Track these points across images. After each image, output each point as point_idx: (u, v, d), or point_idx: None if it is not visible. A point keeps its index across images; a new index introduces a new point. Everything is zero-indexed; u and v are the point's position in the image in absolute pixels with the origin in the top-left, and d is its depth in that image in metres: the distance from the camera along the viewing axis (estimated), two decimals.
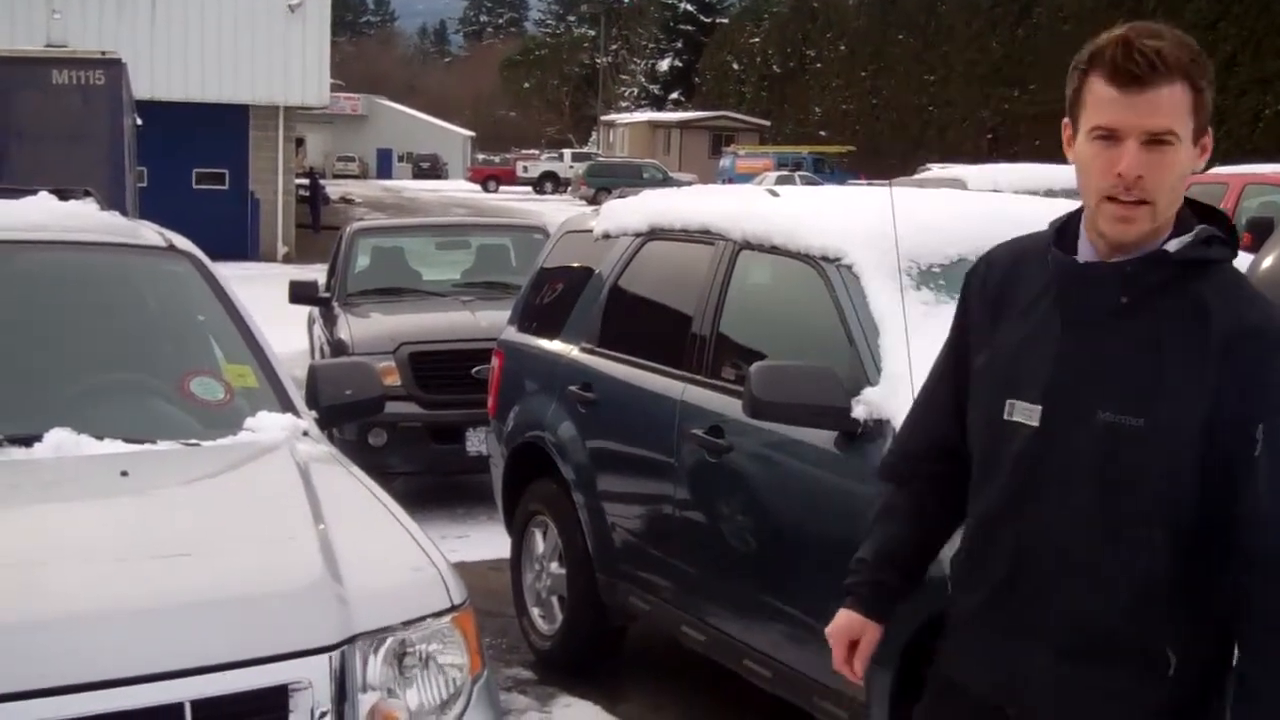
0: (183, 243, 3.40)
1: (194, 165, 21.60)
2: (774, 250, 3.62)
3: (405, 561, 2.32)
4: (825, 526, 3.18)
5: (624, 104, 71.44)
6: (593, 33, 78.65)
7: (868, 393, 3.07)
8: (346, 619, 2.11)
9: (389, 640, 2.15)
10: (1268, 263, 4.77)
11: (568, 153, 54.90)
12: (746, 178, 34.47)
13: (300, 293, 7.66)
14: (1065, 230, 1.73)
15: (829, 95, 54.71)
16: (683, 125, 58.70)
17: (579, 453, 4.24)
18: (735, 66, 63.87)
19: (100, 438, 2.69)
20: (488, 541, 5.67)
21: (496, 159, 58.12)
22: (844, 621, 1.91)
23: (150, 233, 3.44)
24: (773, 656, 3.38)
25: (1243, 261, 3.15)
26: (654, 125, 61.11)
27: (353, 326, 6.89)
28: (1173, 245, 1.64)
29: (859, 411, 3.05)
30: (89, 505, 2.57)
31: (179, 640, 1.99)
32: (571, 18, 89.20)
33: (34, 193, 3.35)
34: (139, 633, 1.99)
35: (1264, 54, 31.57)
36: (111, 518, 2.49)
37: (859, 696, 2.96)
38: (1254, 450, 1.55)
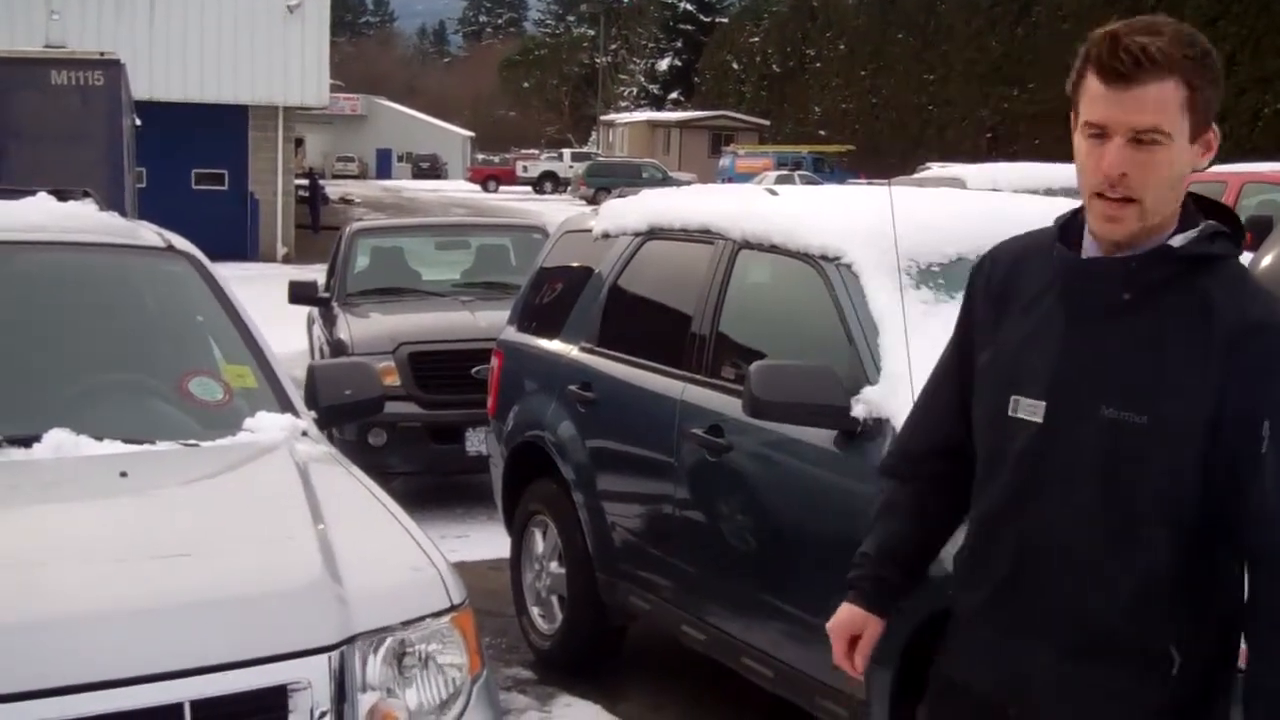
0: (182, 243, 3.40)
1: (193, 166, 21.59)
2: (773, 249, 3.62)
3: (404, 561, 2.32)
4: (825, 525, 3.18)
5: (623, 104, 71.44)
6: (592, 32, 78.65)
7: (867, 392, 3.07)
8: (346, 619, 2.11)
9: (388, 640, 2.15)
10: (1267, 261, 4.76)
11: (567, 152, 54.91)
12: (746, 177, 34.48)
13: (300, 293, 7.66)
14: (1069, 226, 1.72)
15: (828, 94, 54.72)
16: (682, 125, 58.69)
17: (579, 452, 4.24)
18: (735, 66, 63.86)
19: (99, 438, 2.69)
20: (487, 541, 5.67)
21: (496, 159, 58.14)
22: (845, 616, 1.91)
23: (149, 233, 3.44)
24: (773, 655, 3.38)
25: (1242, 260, 3.14)
26: (653, 125, 61.10)
27: (352, 326, 6.89)
28: (1177, 241, 1.63)
29: (858, 410, 3.05)
30: (88, 506, 2.57)
31: (178, 640, 1.99)
32: (571, 17, 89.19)
33: (33, 193, 3.35)
34: (138, 633, 1.99)
35: (1263, 52, 31.58)
36: (111, 518, 2.49)
37: (859, 695, 2.96)
38: (1260, 447, 1.54)
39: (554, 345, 4.55)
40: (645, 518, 3.99)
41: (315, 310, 7.99)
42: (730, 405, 3.48)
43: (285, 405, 3.00)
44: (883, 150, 45.38)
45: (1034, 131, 35.79)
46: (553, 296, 4.78)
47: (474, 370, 6.21)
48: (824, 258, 3.40)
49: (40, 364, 3.01)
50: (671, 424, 3.76)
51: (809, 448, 3.23)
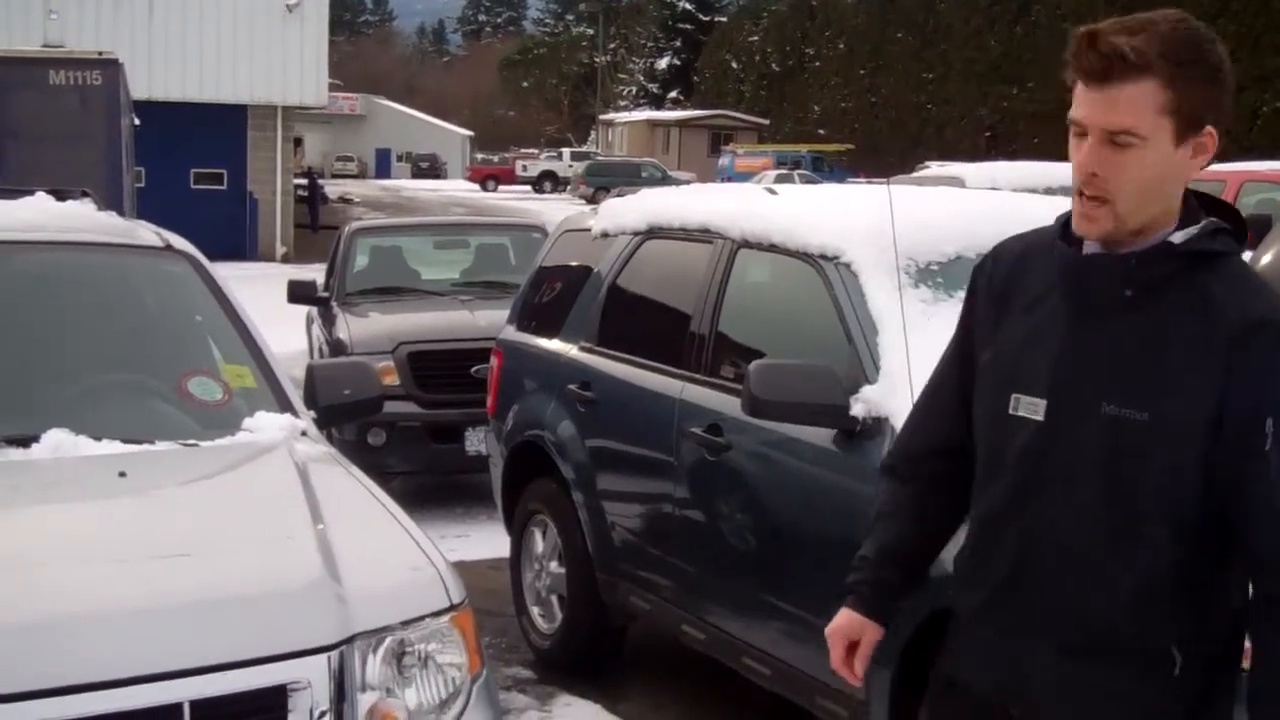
0: (180, 243, 3.40)
1: (192, 165, 21.58)
2: (772, 249, 3.62)
3: (404, 561, 2.32)
4: (824, 525, 3.18)
5: (623, 103, 71.43)
6: (591, 31, 78.64)
7: (866, 391, 3.07)
8: (345, 619, 2.11)
9: (388, 640, 2.15)
10: (1266, 259, 4.76)
11: (566, 152, 54.92)
12: (745, 176, 34.47)
13: (299, 292, 7.65)
14: (1071, 224, 1.72)
15: (828, 93, 54.72)
16: (681, 124, 58.69)
17: (578, 452, 4.24)
18: (734, 65, 63.86)
19: (98, 438, 2.69)
20: (487, 541, 5.67)
21: (495, 158, 58.14)
22: (843, 621, 1.89)
23: (148, 233, 3.44)
24: (772, 654, 3.38)
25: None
26: (653, 124, 61.09)
27: (351, 326, 6.89)
28: (1178, 237, 1.62)
29: (857, 409, 3.05)
30: (87, 506, 2.57)
31: (178, 640, 1.99)
32: (570, 17, 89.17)
33: (31, 193, 3.35)
34: (138, 633, 1.99)
35: (1262, 51, 31.59)
36: (110, 518, 2.48)
37: (859, 695, 2.96)
38: (1263, 445, 1.53)
39: (553, 344, 4.55)
40: (645, 517, 3.99)
41: (314, 310, 7.99)
42: (729, 404, 3.48)
43: (284, 405, 3.00)
44: (882, 149, 45.39)
45: (1033, 130, 35.79)
46: (552, 296, 4.77)
47: (473, 370, 6.21)
48: (823, 257, 3.40)
49: (39, 364, 3.01)
50: (671, 423, 3.76)
51: (808, 447, 3.23)
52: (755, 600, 3.43)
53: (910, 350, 2.95)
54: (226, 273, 3.46)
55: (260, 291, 6.94)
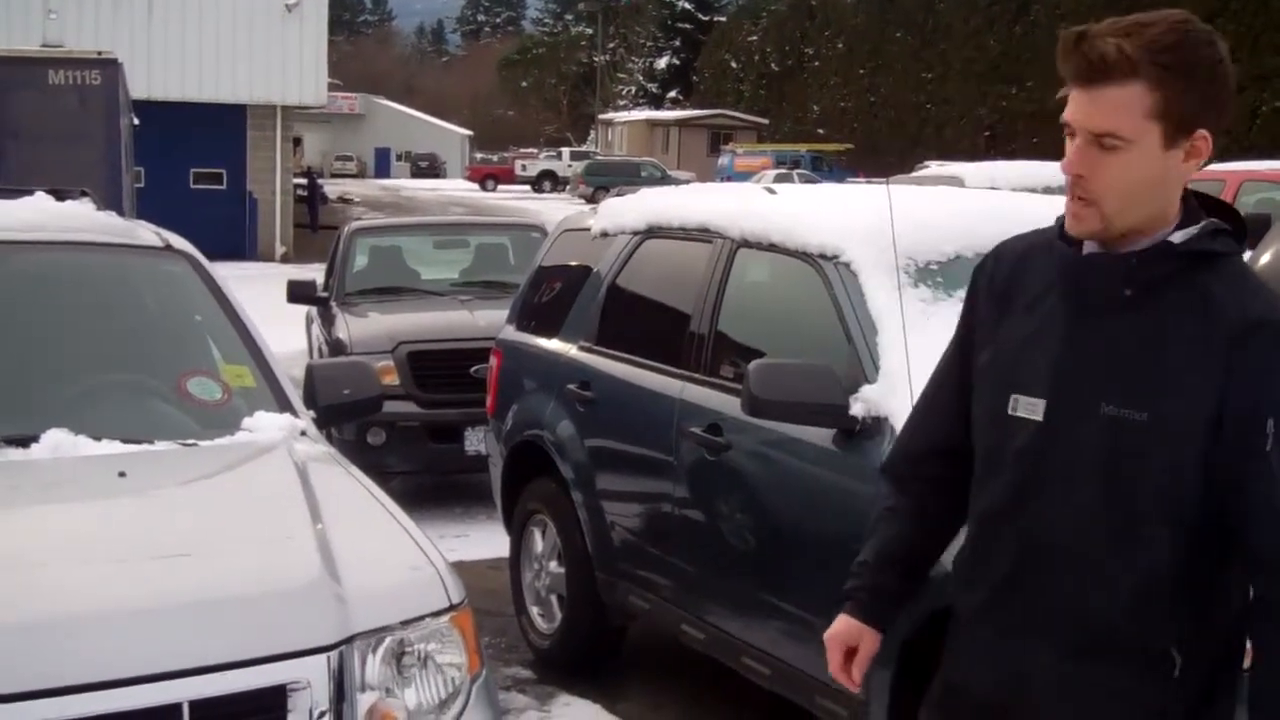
0: (180, 243, 3.40)
1: (191, 165, 21.58)
2: (772, 248, 3.62)
3: (403, 561, 2.32)
4: (824, 524, 3.18)
5: (622, 102, 71.43)
6: (590, 31, 78.64)
7: (866, 390, 3.07)
8: (345, 619, 2.11)
9: (387, 640, 2.15)
10: (1265, 259, 4.77)
11: (566, 151, 54.91)
12: (745, 176, 34.48)
13: (298, 292, 7.65)
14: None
15: (827, 93, 54.73)
16: (681, 123, 58.69)
17: (577, 451, 4.24)
18: (733, 65, 63.86)
19: (98, 438, 2.69)
20: (486, 540, 5.67)
21: (495, 158, 58.15)
22: (841, 627, 1.88)
23: (147, 233, 3.43)
24: (772, 654, 3.38)
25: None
26: (652, 124, 61.09)
27: (351, 326, 6.89)
28: (1178, 237, 1.62)
29: (857, 409, 3.05)
30: (87, 506, 2.57)
31: (177, 641, 1.99)
32: (569, 16, 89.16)
33: (30, 193, 3.35)
34: (137, 633, 1.99)
35: (1261, 50, 31.58)
36: (109, 518, 2.48)
37: (858, 694, 2.96)
38: (1264, 445, 1.53)
39: (553, 344, 4.55)
40: (644, 517, 3.99)
41: (314, 309, 7.99)
42: (729, 404, 3.48)
43: (284, 405, 3.00)
44: (881, 149, 45.39)
45: (1032, 130, 35.77)
46: (551, 295, 4.77)
47: (473, 369, 6.21)
48: (822, 256, 3.40)
49: (38, 364, 3.01)
50: (670, 423, 3.76)
51: (808, 446, 3.23)
52: (755, 600, 3.43)
53: (910, 350, 2.95)
54: (226, 272, 3.46)
55: (260, 291, 6.94)
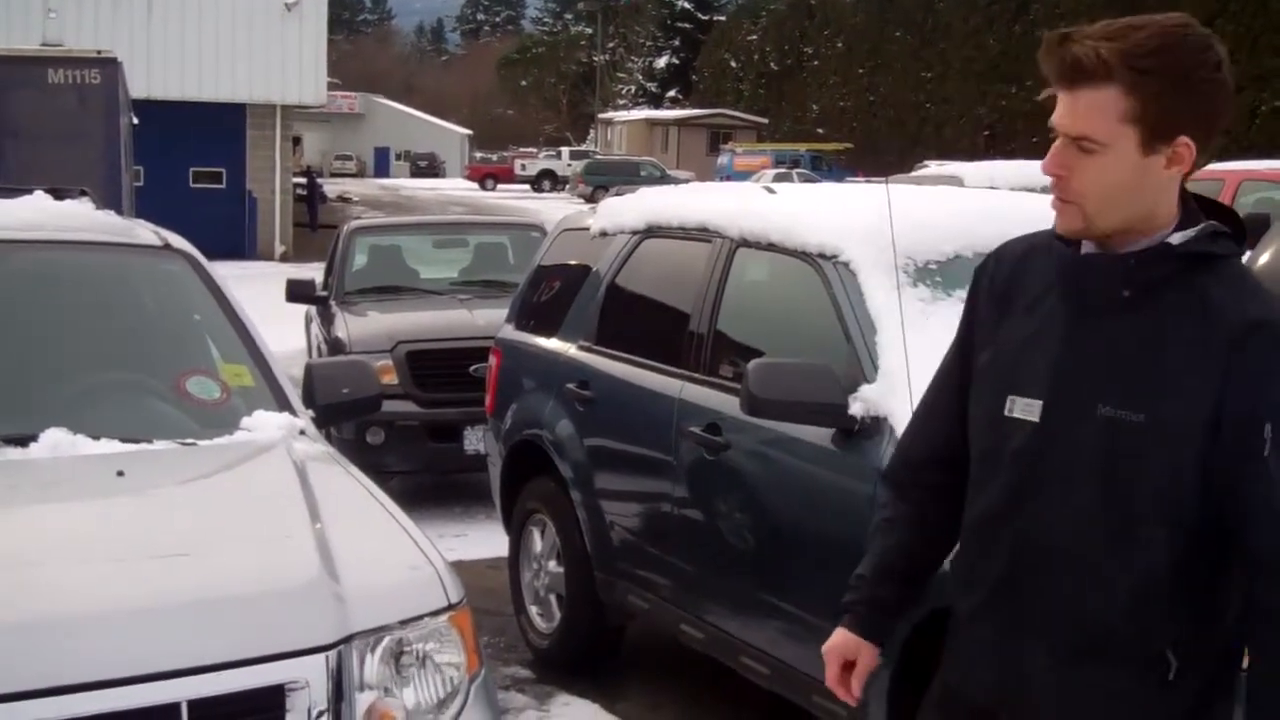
0: (179, 242, 3.40)
1: (191, 164, 21.57)
2: (771, 248, 3.62)
3: (402, 560, 2.32)
4: (823, 524, 3.18)
5: (621, 102, 71.43)
6: (590, 30, 78.63)
7: (865, 390, 3.06)
8: (343, 618, 2.11)
9: (386, 639, 2.14)
10: (1264, 259, 4.77)
11: (565, 150, 54.91)
12: (744, 175, 34.47)
13: (297, 291, 7.65)
14: None
15: (826, 93, 54.73)
16: (680, 123, 58.68)
17: (577, 451, 4.24)
18: (733, 64, 63.86)
19: (96, 437, 2.69)
20: (486, 540, 5.67)
21: (494, 157, 58.12)
22: (839, 640, 1.89)
23: (146, 232, 3.43)
24: (771, 654, 3.38)
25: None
26: (651, 123, 61.09)
27: (350, 325, 6.89)
28: (1176, 238, 1.62)
29: (856, 409, 3.05)
30: (85, 505, 2.57)
31: (176, 640, 1.99)
32: (569, 15, 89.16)
33: (29, 192, 3.34)
34: (136, 633, 1.98)
35: (1260, 51, 31.60)
36: (108, 518, 2.48)
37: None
38: (1262, 449, 1.53)
39: (552, 343, 4.55)
40: (643, 516, 3.99)
41: (313, 309, 7.99)
42: (728, 403, 3.48)
43: (283, 404, 3.00)
44: (880, 148, 45.40)
45: (1032, 130, 35.75)
46: (550, 295, 4.77)
47: (472, 369, 6.21)
48: (821, 256, 3.40)
49: (37, 363, 3.01)
50: (669, 422, 3.76)
51: (807, 446, 3.23)
52: (754, 599, 3.43)
53: (909, 349, 2.94)
54: (225, 272, 3.46)
55: (259, 290, 6.94)
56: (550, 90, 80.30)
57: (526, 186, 49.03)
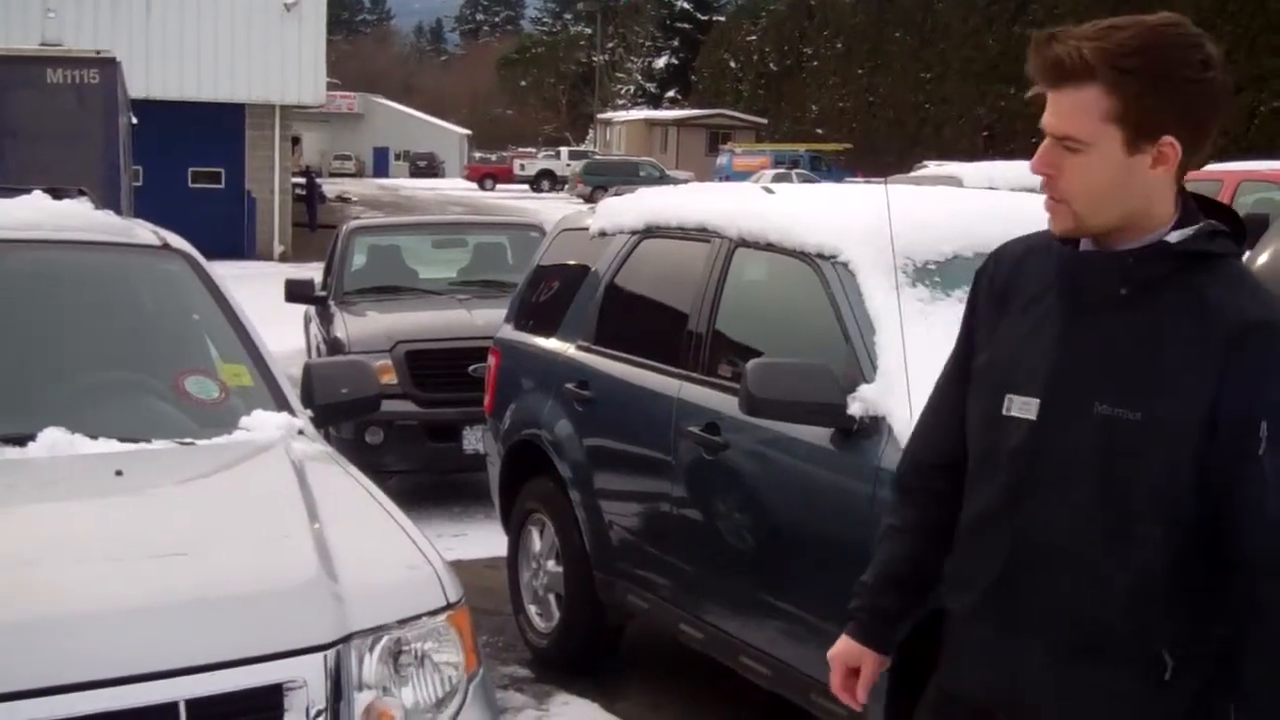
0: (177, 241, 3.39)
1: (190, 164, 21.56)
2: (769, 248, 3.62)
3: (401, 560, 2.32)
4: (822, 523, 3.18)
5: (620, 102, 71.43)
6: (589, 31, 78.63)
7: (863, 390, 3.07)
8: (342, 617, 2.10)
9: (384, 639, 2.14)
10: (1263, 259, 4.77)
11: (564, 150, 54.91)
12: (743, 175, 34.48)
13: (296, 291, 7.65)
14: None
15: (826, 93, 54.73)
16: (679, 123, 58.68)
17: (575, 451, 4.24)
18: (732, 64, 63.86)
19: (94, 437, 2.69)
20: (484, 539, 5.67)
21: (493, 157, 58.12)
22: (843, 648, 1.90)
23: (145, 231, 3.43)
24: (770, 653, 3.38)
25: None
26: (650, 123, 61.09)
27: (349, 325, 6.88)
28: (1174, 237, 1.62)
29: (855, 408, 3.05)
30: (83, 505, 2.57)
31: (174, 639, 1.99)
32: (568, 16, 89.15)
33: (28, 191, 3.34)
34: (134, 632, 1.98)
35: (1259, 51, 31.61)
36: (106, 517, 2.48)
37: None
38: (1257, 449, 1.53)
39: (551, 343, 4.55)
40: (642, 516, 3.99)
41: (312, 309, 7.98)
42: (727, 403, 3.48)
43: (281, 404, 2.99)
44: (880, 149, 45.41)
45: (1031, 130, 35.51)
46: (549, 295, 4.77)
47: (471, 368, 6.21)
48: (820, 256, 3.40)
49: (35, 363, 3.01)
50: (668, 422, 3.76)
51: (805, 446, 3.23)
52: (753, 599, 3.43)
53: (907, 349, 2.95)
54: (224, 271, 3.46)
55: (258, 290, 6.94)
56: (549, 90, 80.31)
57: (525, 186, 49.04)
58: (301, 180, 27.20)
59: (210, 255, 3.49)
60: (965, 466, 1.78)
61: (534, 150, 59.66)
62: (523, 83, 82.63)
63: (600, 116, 67.95)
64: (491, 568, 5.19)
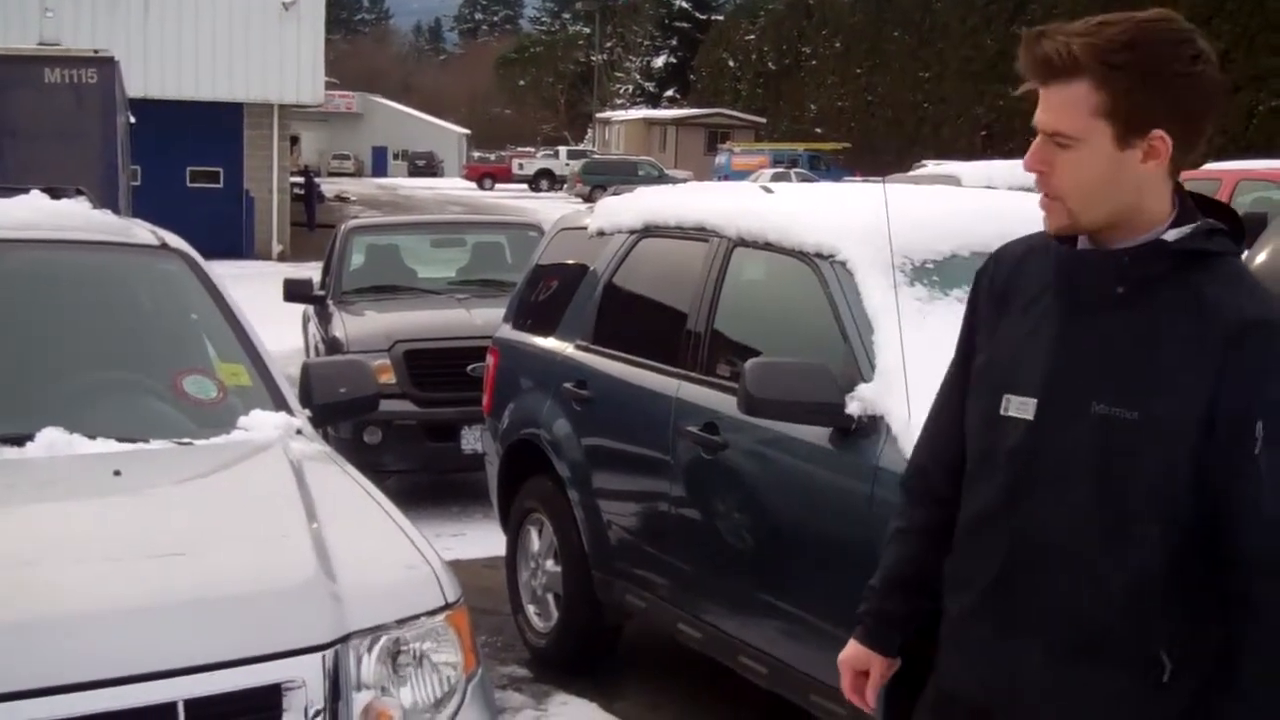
0: (175, 241, 3.39)
1: (188, 163, 21.56)
2: (768, 247, 3.62)
3: (399, 559, 2.32)
4: (820, 523, 3.18)
5: (619, 101, 71.43)
6: (588, 30, 78.62)
7: (862, 389, 3.07)
8: (340, 617, 2.10)
9: (383, 638, 2.14)
10: (1261, 258, 4.78)
11: (563, 150, 54.90)
12: (742, 175, 34.49)
13: (295, 291, 7.65)
14: None
15: (824, 92, 54.74)
16: (678, 122, 58.67)
17: (574, 450, 4.24)
18: (731, 63, 63.86)
19: (93, 437, 2.69)
20: (483, 539, 5.67)
21: (492, 156, 58.12)
22: (851, 652, 1.91)
23: (143, 231, 3.43)
24: (769, 653, 3.38)
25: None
26: (649, 122, 61.08)
27: (347, 324, 6.88)
28: (1171, 235, 1.62)
29: (853, 408, 3.05)
30: (82, 505, 2.57)
31: (172, 640, 1.99)
32: (566, 15, 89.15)
33: (26, 191, 3.34)
34: (132, 632, 1.98)
35: (1257, 50, 31.62)
36: (104, 517, 2.48)
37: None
38: (1253, 448, 1.53)
39: (549, 343, 4.55)
40: (641, 516, 3.99)
41: (310, 308, 7.98)
42: (725, 403, 3.48)
43: (280, 403, 2.99)
44: (878, 148, 45.41)
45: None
46: (548, 294, 4.77)
47: (469, 368, 6.21)
48: (819, 255, 3.40)
49: (33, 362, 3.01)
50: (667, 422, 3.76)
51: (804, 445, 3.23)
52: (751, 599, 3.43)
53: (905, 348, 2.95)
54: (222, 271, 3.46)
55: (256, 290, 6.94)
56: (548, 90, 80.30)
57: (524, 186, 49.03)
58: (300, 180, 27.19)
59: (208, 255, 3.49)
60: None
61: (533, 150, 59.67)
62: (521, 82, 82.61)
63: (599, 116, 67.95)
64: (490, 567, 5.19)
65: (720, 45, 65.70)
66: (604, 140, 65.03)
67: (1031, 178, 1.68)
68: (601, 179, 36.37)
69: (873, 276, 3.21)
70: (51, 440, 2.64)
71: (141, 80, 17.71)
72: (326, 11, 23.48)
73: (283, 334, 7.13)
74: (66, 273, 3.23)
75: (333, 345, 6.76)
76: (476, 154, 62.34)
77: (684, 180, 10.73)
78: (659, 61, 72.39)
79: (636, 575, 3.99)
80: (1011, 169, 11.84)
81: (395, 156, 66.09)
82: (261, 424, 2.86)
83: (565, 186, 43.63)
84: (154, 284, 3.34)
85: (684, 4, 71.92)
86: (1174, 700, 1.61)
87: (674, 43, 72.10)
